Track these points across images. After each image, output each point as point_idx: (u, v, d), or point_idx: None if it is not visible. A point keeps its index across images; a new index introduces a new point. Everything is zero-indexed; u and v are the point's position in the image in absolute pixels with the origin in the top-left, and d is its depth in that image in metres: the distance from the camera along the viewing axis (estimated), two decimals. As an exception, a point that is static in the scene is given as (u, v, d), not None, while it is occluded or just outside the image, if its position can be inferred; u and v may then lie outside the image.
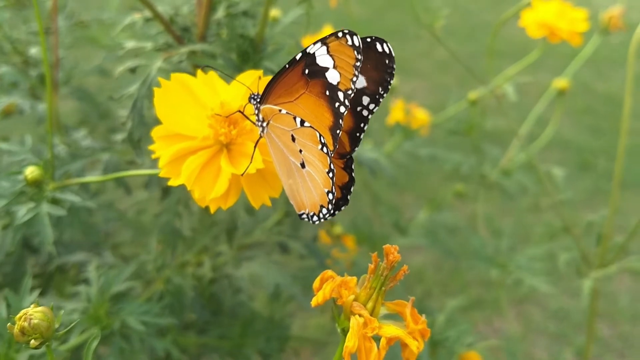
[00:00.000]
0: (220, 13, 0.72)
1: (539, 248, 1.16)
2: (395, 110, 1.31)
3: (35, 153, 0.70)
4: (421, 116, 1.32)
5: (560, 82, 1.18)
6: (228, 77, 0.54)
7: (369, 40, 0.46)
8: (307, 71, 0.45)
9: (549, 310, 1.89)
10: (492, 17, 3.74)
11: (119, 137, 0.82)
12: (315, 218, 0.49)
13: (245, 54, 0.71)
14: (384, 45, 0.47)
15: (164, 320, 0.70)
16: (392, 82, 0.47)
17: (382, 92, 0.48)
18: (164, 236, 0.76)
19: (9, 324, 0.46)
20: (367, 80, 0.48)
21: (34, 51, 1.03)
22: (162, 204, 0.76)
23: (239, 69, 0.70)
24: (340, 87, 0.44)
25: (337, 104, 0.44)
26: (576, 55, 1.14)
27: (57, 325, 0.47)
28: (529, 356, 1.74)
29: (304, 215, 0.49)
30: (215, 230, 0.80)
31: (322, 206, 0.47)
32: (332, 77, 0.44)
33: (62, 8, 1.05)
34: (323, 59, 0.44)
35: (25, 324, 0.45)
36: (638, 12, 0.91)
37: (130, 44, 0.70)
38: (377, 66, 0.47)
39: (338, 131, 0.45)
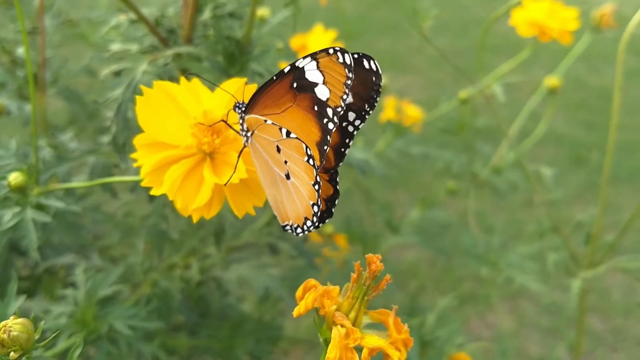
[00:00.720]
0: (206, 14, 0.71)
1: (529, 246, 1.16)
2: (387, 107, 1.30)
3: (20, 156, 0.69)
4: (413, 113, 1.31)
5: (551, 80, 1.17)
6: (212, 84, 0.53)
7: (355, 56, 0.46)
8: (295, 85, 0.45)
9: (542, 305, 1.90)
10: (486, 13, 3.72)
11: (106, 139, 0.81)
12: (299, 230, 0.48)
13: (231, 56, 0.70)
14: (371, 62, 0.47)
15: (151, 324, 0.70)
16: (378, 99, 0.47)
17: (368, 109, 0.48)
18: (151, 239, 0.75)
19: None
20: (354, 96, 0.47)
21: (21, 51, 1.02)
22: (149, 207, 0.75)
23: (226, 71, 0.69)
24: (329, 103, 0.44)
25: (325, 120, 0.44)
26: (570, 52, 1.14)
27: (37, 337, 0.46)
28: (522, 351, 1.74)
29: (288, 227, 0.49)
30: (202, 232, 0.80)
31: (306, 218, 0.47)
32: (322, 93, 0.44)
33: (49, 7, 1.04)
34: (312, 74, 0.44)
35: (5, 336, 0.44)
36: (631, 7, 0.91)
37: (115, 47, 0.70)
38: (364, 82, 0.47)
39: (325, 147, 0.45)
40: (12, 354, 0.44)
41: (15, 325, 0.44)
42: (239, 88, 0.51)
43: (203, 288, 0.81)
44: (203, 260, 0.81)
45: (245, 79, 0.51)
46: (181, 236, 0.81)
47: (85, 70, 1.00)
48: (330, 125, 0.44)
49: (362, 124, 0.48)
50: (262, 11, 0.89)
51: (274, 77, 0.46)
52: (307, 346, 1.62)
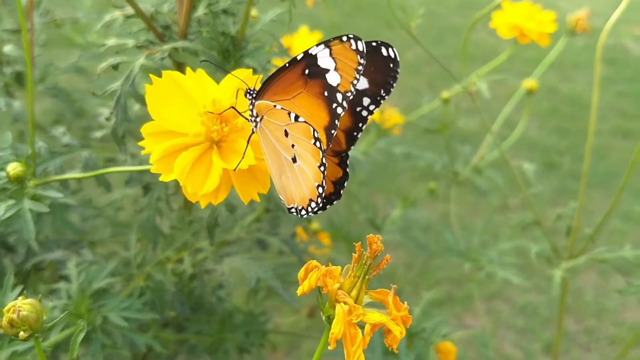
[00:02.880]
0: (200, 11, 0.73)
1: (509, 243, 1.20)
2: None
3: (13, 151, 0.70)
4: (394, 115, 1.35)
5: (529, 82, 1.22)
6: (223, 72, 0.54)
7: (374, 44, 0.48)
8: (307, 71, 0.46)
9: (518, 306, 1.93)
10: (460, 21, 3.80)
11: (98, 134, 0.81)
12: (303, 212, 0.50)
13: (226, 52, 0.72)
14: (389, 49, 0.49)
15: (145, 316, 0.71)
16: (394, 84, 0.49)
17: (383, 94, 0.50)
18: (144, 232, 0.76)
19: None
20: (369, 82, 0.50)
21: (7, 49, 1.02)
22: (143, 201, 0.76)
23: (221, 66, 0.71)
24: (339, 88, 0.46)
25: (334, 105, 0.46)
26: (542, 60, 1.18)
27: (45, 317, 0.47)
28: (498, 351, 1.78)
29: (293, 209, 0.51)
30: (195, 226, 0.81)
31: (311, 200, 0.49)
32: (333, 79, 0.46)
33: (36, 5, 1.04)
34: (325, 60, 0.45)
35: (14, 315, 0.45)
36: (601, 18, 0.95)
37: (111, 42, 0.71)
38: (381, 69, 0.49)
39: (333, 131, 0.47)
40: (21, 333, 0.45)
41: (24, 305, 0.45)
42: (246, 78, 0.53)
43: (195, 281, 0.82)
44: (195, 254, 0.82)
45: (251, 70, 0.53)
46: (173, 230, 0.82)
47: (73, 68, 1.00)
48: (339, 110, 0.46)
49: (377, 108, 0.50)
50: (253, 11, 0.91)
51: (287, 65, 0.47)
52: (290, 345, 1.63)
